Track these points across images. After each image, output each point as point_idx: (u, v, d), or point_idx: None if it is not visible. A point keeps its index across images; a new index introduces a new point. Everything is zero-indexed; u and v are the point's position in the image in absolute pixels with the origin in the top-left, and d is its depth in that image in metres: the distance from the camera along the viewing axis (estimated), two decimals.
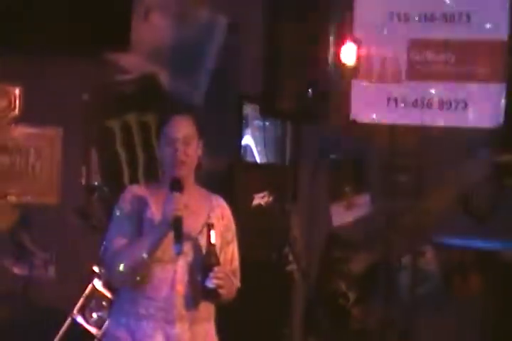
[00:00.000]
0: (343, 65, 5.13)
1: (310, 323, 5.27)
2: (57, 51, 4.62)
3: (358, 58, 5.12)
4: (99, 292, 4.22)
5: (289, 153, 5.44)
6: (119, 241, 3.05)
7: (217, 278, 2.99)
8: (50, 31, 4.61)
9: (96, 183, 4.91)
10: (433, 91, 5.00)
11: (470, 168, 5.54)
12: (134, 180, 4.95)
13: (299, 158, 5.45)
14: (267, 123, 5.48)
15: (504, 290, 5.37)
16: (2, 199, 4.77)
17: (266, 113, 5.05)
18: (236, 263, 3.21)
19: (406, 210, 5.34)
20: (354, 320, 5.55)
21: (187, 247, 3.01)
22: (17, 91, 4.78)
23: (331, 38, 4.91)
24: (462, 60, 5.00)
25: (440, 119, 5.03)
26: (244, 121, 5.44)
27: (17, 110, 4.80)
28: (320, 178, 5.53)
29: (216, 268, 2.99)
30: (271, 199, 3.80)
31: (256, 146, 5.52)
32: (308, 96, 4.79)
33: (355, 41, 5.09)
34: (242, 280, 3.25)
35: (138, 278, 3.01)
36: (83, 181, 4.90)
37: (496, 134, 5.17)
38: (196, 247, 3.06)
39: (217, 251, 3.06)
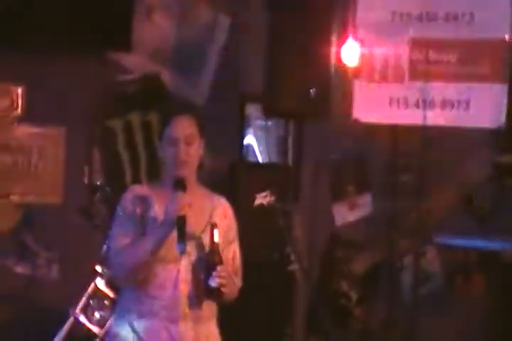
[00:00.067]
0: (345, 64, 5.13)
1: (312, 323, 5.28)
2: (60, 51, 4.63)
3: (360, 58, 5.12)
4: (102, 291, 4.22)
5: (291, 153, 5.45)
6: (122, 241, 3.06)
7: (220, 277, 3.00)
8: (52, 31, 4.61)
9: (98, 183, 4.91)
10: (435, 91, 5.00)
11: (471, 168, 5.54)
12: (136, 179, 4.96)
13: (301, 157, 5.46)
14: (269, 123, 5.48)
15: (506, 290, 5.37)
16: (5, 198, 4.77)
17: (268, 113, 5.05)
18: (238, 262, 3.22)
19: (408, 210, 5.35)
20: (356, 320, 5.56)
21: (190, 246, 3.02)
22: (19, 90, 4.78)
23: (333, 38, 4.92)
24: (464, 60, 5.00)
25: (442, 119, 5.03)
26: (246, 121, 5.45)
27: (19, 109, 4.80)
28: (322, 178, 5.53)
29: (219, 267, 3.00)
30: (273, 199, 3.79)
31: (258, 146, 5.53)
32: (311, 96, 4.79)
33: (357, 41, 5.10)
34: (244, 280, 3.26)
35: (141, 277, 3.01)
36: (86, 181, 4.91)
37: (498, 134, 5.18)
38: (199, 246, 3.06)
39: (220, 250, 3.07)
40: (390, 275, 5.51)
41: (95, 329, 4.21)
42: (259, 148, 5.53)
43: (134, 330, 3.03)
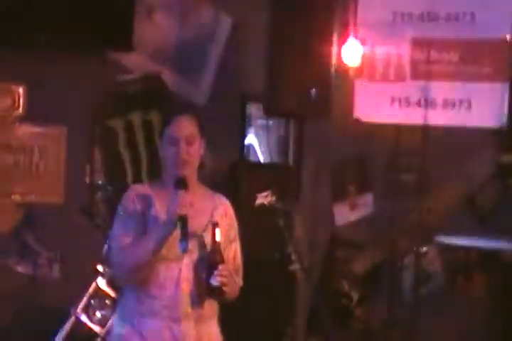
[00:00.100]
0: (346, 64, 5.13)
1: (312, 323, 5.28)
2: (61, 50, 4.63)
3: (362, 58, 5.12)
4: (103, 291, 4.23)
5: (291, 153, 5.45)
6: (123, 240, 3.06)
7: (221, 275, 3.00)
8: (53, 30, 4.61)
9: (100, 182, 4.92)
10: (436, 90, 5.00)
11: (473, 168, 5.54)
12: (137, 179, 4.96)
13: (302, 157, 5.46)
14: (271, 123, 5.48)
15: (507, 290, 5.37)
16: (6, 198, 4.78)
17: (269, 112, 5.05)
18: (238, 261, 3.23)
19: (409, 210, 5.34)
20: (357, 320, 5.56)
21: (192, 245, 3.02)
22: (21, 90, 4.79)
23: (334, 38, 4.91)
24: (466, 59, 5.00)
25: (443, 119, 5.03)
26: (247, 121, 5.45)
27: (21, 109, 4.80)
28: (323, 178, 5.53)
29: (221, 266, 3.01)
30: (274, 198, 3.80)
31: (259, 146, 5.53)
32: (311, 96, 4.79)
33: (359, 40, 5.09)
34: (245, 279, 3.26)
35: (142, 277, 3.02)
36: (87, 180, 4.91)
37: (499, 134, 5.18)
38: (201, 245, 3.07)
39: (222, 249, 3.07)
40: (391, 275, 5.51)
41: (96, 328, 4.21)
42: (259, 147, 5.54)
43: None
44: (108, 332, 3.91)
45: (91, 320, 4.22)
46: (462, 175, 5.53)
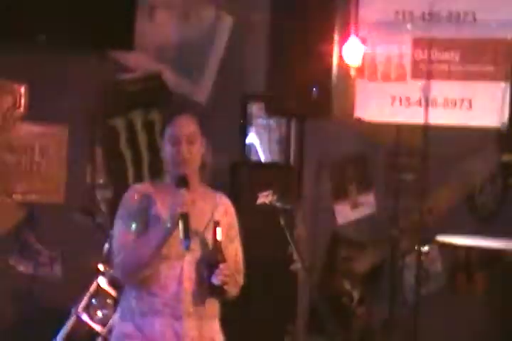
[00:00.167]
0: (348, 63, 5.13)
1: (314, 322, 5.28)
2: (62, 49, 4.63)
3: (363, 57, 5.12)
4: (104, 290, 4.23)
5: (293, 152, 5.45)
6: (125, 239, 3.06)
7: (222, 274, 3.00)
8: (54, 30, 4.62)
9: (101, 181, 4.92)
10: (437, 90, 5.00)
11: (475, 167, 5.54)
12: (138, 178, 4.96)
13: (303, 156, 5.46)
14: (272, 122, 5.49)
15: (508, 290, 5.37)
16: (7, 197, 4.78)
17: (270, 112, 5.06)
18: (239, 260, 3.22)
19: (410, 209, 5.34)
20: (358, 319, 5.56)
21: (193, 244, 3.02)
22: (22, 89, 4.79)
23: (336, 37, 4.92)
24: (467, 59, 5.00)
25: (445, 118, 5.03)
26: (248, 120, 5.45)
27: (22, 108, 4.80)
28: (324, 177, 5.53)
29: (222, 265, 3.00)
30: (275, 198, 3.80)
31: (260, 145, 5.53)
32: (313, 95, 4.79)
33: (360, 40, 5.09)
34: (246, 278, 3.26)
35: (143, 276, 3.02)
36: (88, 179, 4.91)
37: (500, 133, 5.17)
38: (202, 244, 3.07)
39: (223, 248, 3.07)
40: (392, 275, 5.51)
41: (97, 327, 4.21)
42: (260, 147, 5.54)
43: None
44: (109, 331, 3.91)
45: (92, 319, 4.22)
46: (463, 175, 5.53)
